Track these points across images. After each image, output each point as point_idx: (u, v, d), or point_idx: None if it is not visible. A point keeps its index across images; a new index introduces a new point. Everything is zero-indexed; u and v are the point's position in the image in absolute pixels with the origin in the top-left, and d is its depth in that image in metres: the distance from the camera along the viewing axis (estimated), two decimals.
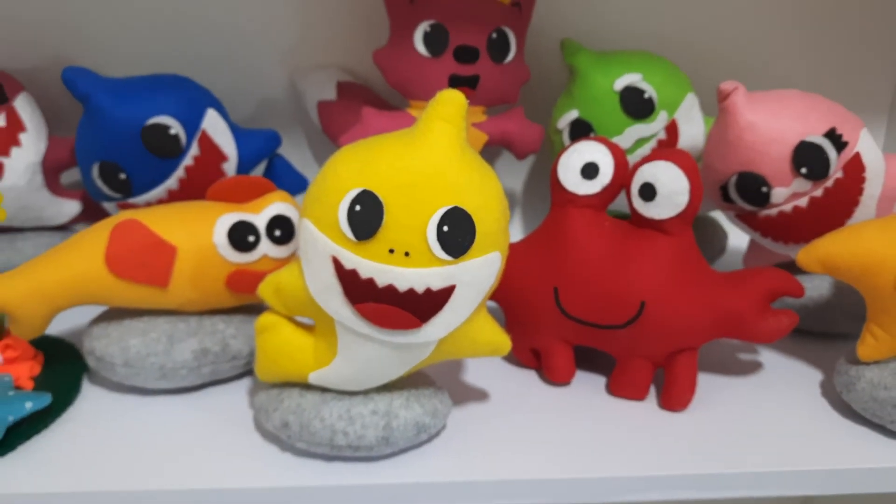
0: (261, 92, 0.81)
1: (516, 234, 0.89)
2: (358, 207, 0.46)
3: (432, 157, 0.46)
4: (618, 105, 0.69)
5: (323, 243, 0.47)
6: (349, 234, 0.46)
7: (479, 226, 0.47)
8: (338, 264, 0.47)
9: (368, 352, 0.50)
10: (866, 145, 0.60)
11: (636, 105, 0.68)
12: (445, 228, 0.46)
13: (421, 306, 0.47)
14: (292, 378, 0.53)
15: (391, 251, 0.46)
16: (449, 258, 0.46)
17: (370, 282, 0.47)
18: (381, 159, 0.46)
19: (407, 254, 0.46)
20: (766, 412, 0.59)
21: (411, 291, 0.47)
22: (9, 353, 0.58)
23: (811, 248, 0.56)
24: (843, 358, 0.58)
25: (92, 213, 0.74)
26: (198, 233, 0.57)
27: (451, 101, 0.46)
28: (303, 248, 0.49)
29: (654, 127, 0.69)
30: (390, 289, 0.47)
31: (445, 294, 0.47)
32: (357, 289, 0.47)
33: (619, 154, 0.58)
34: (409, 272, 0.46)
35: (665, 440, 0.56)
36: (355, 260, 0.47)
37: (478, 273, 0.48)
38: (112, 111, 0.63)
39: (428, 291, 0.47)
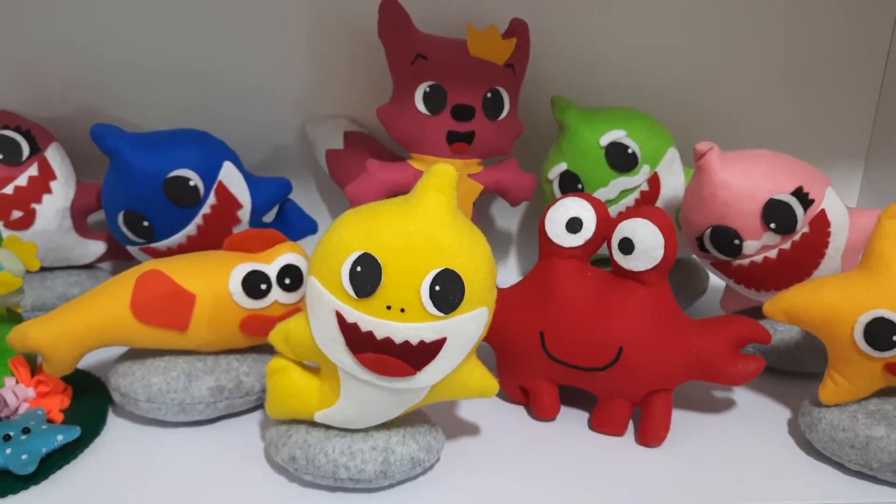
0: (274, 139, 0.85)
1: (511, 269, 0.93)
2: (359, 268, 0.50)
3: (426, 223, 0.50)
4: (603, 159, 0.73)
5: (327, 299, 0.51)
6: (351, 292, 0.50)
7: (468, 285, 0.51)
8: (340, 318, 0.51)
9: (368, 395, 0.54)
10: (831, 202, 0.64)
11: (620, 159, 0.72)
12: (437, 288, 0.50)
13: (415, 356, 0.51)
14: (299, 416, 0.57)
15: (388, 307, 0.50)
16: (440, 314, 0.50)
17: (370, 334, 0.51)
18: (381, 225, 0.51)
19: (403, 310, 0.50)
20: (738, 448, 0.63)
21: (406, 343, 0.51)
22: (41, 388, 0.61)
23: (777, 299, 0.60)
24: (808, 400, 0.62)
25: (116, 252, 0.79)
26: (215, 282, 0.61)
27: (443, 174, 0.51)
28: (309, 302, 0.53)
29: (638, 179, 0.73)
30: (388, 341, 0.51)
31: (437, 345, 0.51)
32: (358, 340, 0.51)
33: (601, 209, 0.62)
34: (404, 326, 0.50)
35: (641, 474, 0.59)
36: (356, 315, 0.51)
37: (467, 326, 0.52)
38: (137, 165, 0.67)
39: (421, 343, 0.51)
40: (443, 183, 0.51)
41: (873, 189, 0.91)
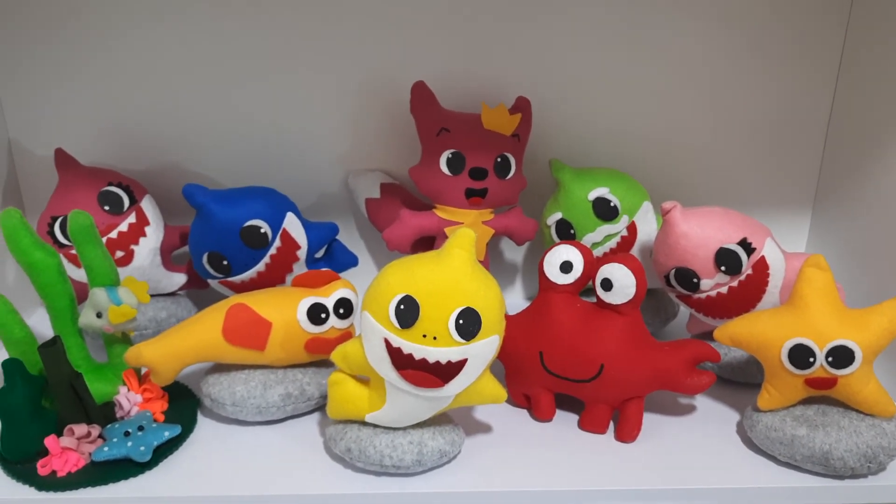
0: (322, 187, 0.96)
1: (517, 292, 1.04)
2: (402, 307, 0.63)
3: (453, 273, 0.63)
4: (591, 211, 0.85)
5: (378, 329, 0.65)
6: (396, 324, 0.63)
7: (484, 319, 0.63)
8: (388, 343, 0.64)
9: (407, 402, 0.67)
10: (770, 250, 0.77)
11: (605, 211, 0.84)
12: (461, 321, 0.63)
13: (444, 373, 0.64)
14: (353, 417, 0.69)
15: (424, 336, 0.63)
16: (463, 341, 0.63)
17: (410, 356, 0.64)
18: (419, 274, 0.64)
19: (435, 338, 0.63)
20: (696, 443, 0.73)
21: (437, 363, 0.64)
22: (147, 394, 0.74)
23: (724, 328, 0.72)
24: (750, 406, 0.74)
25: (195, 282, 0.90)
26: (286, 312, 0.73)
27: (465, 236, 0.64)
28: (363, 330, 0.66)
29: (619, 227, 0.85)
30: (423, 360, 0.64)
31: (460, 365, 0.64)
32: (400, 360, 0.64)
33: (588, 255, 0.74)
34: (436, 350, 0.63)
35: (619, 464, 0.70)
36: (400, 341, 0.64)
37: (483, 350, 0.65)
38: (219, 216, 0.79)
39: (449, 363, 0.64)
40: (465, 242, 0.65)
41: (820, 231, 0.99)
